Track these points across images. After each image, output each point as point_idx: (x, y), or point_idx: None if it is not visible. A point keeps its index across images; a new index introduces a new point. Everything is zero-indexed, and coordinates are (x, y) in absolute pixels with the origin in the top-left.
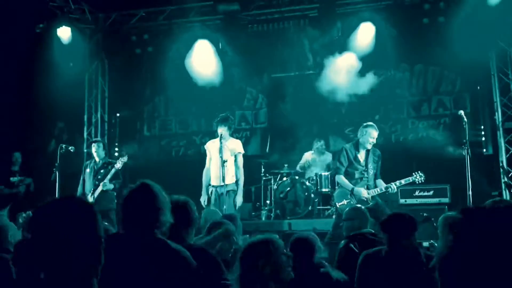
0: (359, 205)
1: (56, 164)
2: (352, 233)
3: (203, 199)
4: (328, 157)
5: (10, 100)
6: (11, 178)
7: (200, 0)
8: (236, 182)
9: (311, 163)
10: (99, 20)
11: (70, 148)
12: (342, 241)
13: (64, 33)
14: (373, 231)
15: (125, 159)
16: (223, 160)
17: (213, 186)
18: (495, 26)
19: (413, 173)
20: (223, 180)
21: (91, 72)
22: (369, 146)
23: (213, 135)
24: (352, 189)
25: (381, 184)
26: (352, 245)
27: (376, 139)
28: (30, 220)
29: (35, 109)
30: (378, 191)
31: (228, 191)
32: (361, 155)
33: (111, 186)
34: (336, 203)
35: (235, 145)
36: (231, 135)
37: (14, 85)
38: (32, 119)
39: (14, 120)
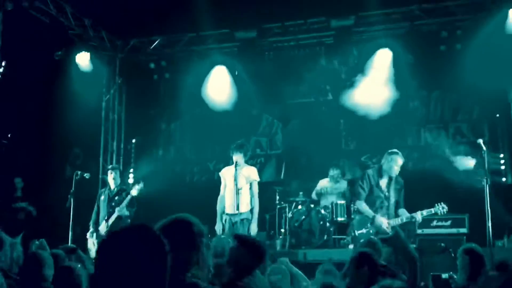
0: (372, 237)
1: (72, 191)
2: None
3: (218, 228)
4: (343, 185)
5: (28, 126)
6: (13, 204)
7: (217, 28)
8: (251, 210)
9: (327, 191)
10: (118, 46)
11: (85, 174)
12: None
13: (83, 59)
14: (384, 263)
15: (141, 186)
16: (237, 188)
17: (227, 214)
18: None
19: (436, 204)
20: (238, 208)
21: (108, 98)
22: (394, 174)
23: (228, 161)
24: (374, 217)
25: (404, 213)
26: None
27: None
28: (97, 249)
29: (53, 134)
30: (399, 221)
31: (242, 220)
32: (383, 182)
33: (127, 213)
34: (356, 231)
35: (250, 173)
36: (246, 162)
37: (33, 111)
38: (49, 145)
39: (31, 145)
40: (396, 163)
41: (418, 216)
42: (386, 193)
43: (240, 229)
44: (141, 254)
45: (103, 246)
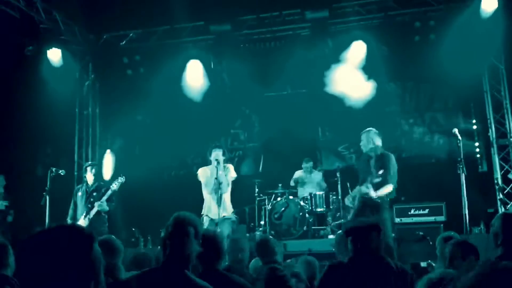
0: None
1: (47, 188)
2: None
3: None
4: (318, 175)
5: None
6: None
7: (192, 21)
8: (233, 213)
9: (303, 181)
10: (90, 41)
11: (60, 171)
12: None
13: (55, 54)
14: None
15: (122, 180)
16: (219, 188)
17: (207, 216)
18: (486, 43)
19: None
20: (219, 214)
21: (82, 94)
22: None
23: (205, 155)
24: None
25: None
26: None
27: None
28: (17, 251)
29: (24, 131)
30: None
31: (225, 218)
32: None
33: (106, 208)
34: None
35: (228, 170)
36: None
37: (3, 107)
38: (20, 142)
39: (3, 142)
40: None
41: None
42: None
43: (225, 225)
44: (61, 251)
45: (22, 249)
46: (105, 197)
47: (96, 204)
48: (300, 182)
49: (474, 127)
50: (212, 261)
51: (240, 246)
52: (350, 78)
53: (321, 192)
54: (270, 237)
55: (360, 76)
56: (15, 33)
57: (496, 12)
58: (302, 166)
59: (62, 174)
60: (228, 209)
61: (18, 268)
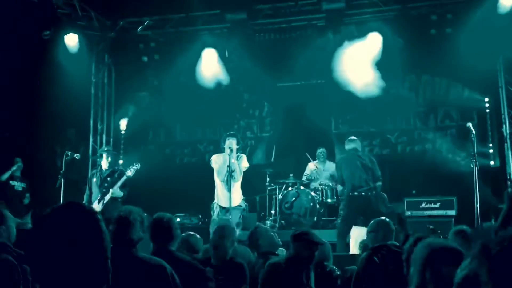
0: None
1: (61, 172)
2: (376, 245)
3: None
4: (331, 166)
5: (16, 107)
6: (11, 182)
7: (207, 9)
8: (243, 200)
9: (317, 174)
10: (106, 27)
11: (75, 155)
12: (365, 252)
13: (71, 40)
14: (397, 243)
15: (138, 166)
16: (231, 177)
17: (219, 204)
18: (502, 38)
19: None
20: (230, 203)
21: (97, 80)
22: None
23: (218, 143)
24: None
25: None
26: (375, 258)
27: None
28: (30, 231)
29: (41, 116)
30: None
31: (234, 207)
32: None
33: (121, 194)
34: None
35: (241, 160)
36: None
37: (21, 92)
38: (38, 126)
39: (20, 127)
40: None
41: None
42: None
43: (235, 213)
44: (76, 228)
45: (39, 224)
46: (119, 183)
47: (110, 190)
48: (313, 178)
49: (488, 122)
50: (164, 242)
51: (222, 233)
52: (364, 70)
53: (332, 184)
54: (265, 226)
55: (375, 68)
56: (33, 18)
57: None
58: (316, 153)
59: (77, 158)
60: (238, 197)
61: (31, 249)
